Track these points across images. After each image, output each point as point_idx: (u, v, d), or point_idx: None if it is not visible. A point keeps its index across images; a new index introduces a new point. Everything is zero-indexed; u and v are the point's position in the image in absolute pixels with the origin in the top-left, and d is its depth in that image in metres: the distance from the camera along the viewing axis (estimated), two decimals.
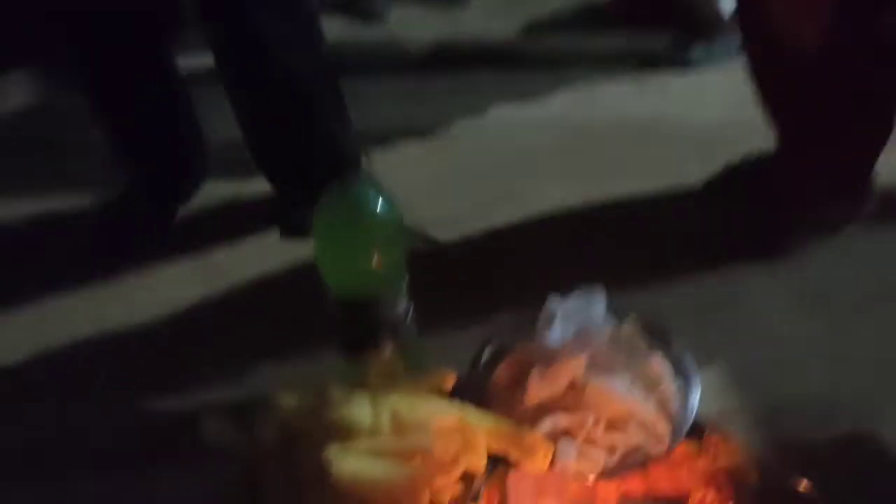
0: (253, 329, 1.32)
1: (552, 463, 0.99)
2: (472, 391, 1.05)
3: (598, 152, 1.61)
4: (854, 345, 1.18)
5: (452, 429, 0.90)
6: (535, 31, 2.02)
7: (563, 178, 1.55)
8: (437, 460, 0.87)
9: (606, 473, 0.99)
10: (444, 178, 1.60)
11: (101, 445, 1.17)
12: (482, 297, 1.32)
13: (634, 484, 1.00)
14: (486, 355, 1.13)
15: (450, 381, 1.00)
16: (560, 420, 1.01)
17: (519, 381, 1.08)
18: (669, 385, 1.06)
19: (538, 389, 1.05)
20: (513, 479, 0.97)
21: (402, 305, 1.07)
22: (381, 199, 1.02)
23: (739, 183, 1.38)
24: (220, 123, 1.48)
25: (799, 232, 1.31)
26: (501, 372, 1.10)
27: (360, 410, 0.89)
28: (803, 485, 0.90)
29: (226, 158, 1.58)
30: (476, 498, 0.90)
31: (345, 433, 0.88)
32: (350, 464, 0.85)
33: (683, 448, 1.01)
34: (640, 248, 1.39)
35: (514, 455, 0.92)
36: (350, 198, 1.02)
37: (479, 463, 0.90)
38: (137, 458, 1.14)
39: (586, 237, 1.43)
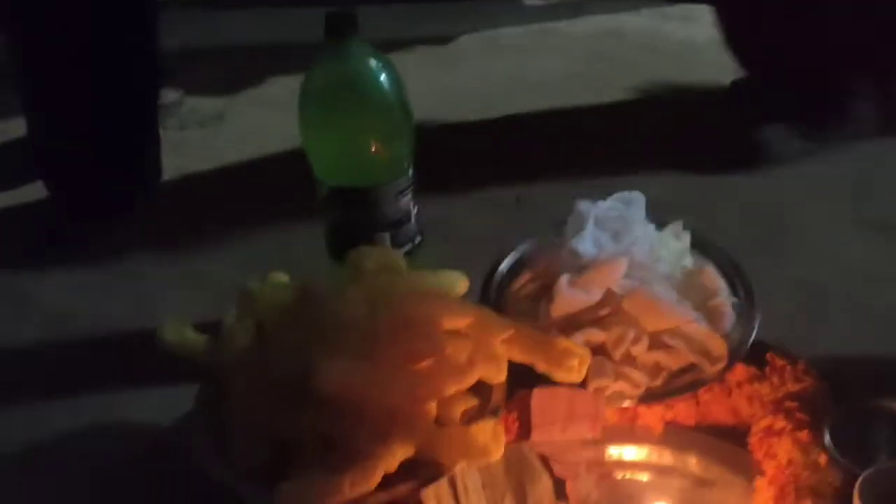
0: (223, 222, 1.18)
1: (585, 383, 0.82)
2: (487, 304, 0.89)
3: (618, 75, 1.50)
4: None
5: (466, 331, 0.73)
6: None
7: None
8: (446, 366, 0.70)
9: (649, 397, 0.82)
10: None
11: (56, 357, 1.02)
12: (501, 200, 1.18)
13: (683, 411, 0.83)
14: (504, 265, 0.96)
15: (462, 286, 0.83)
16: (594, 335, 0.84)
17: (544, 292, 0.91)
18: (724, 299, 0.89)
19: (567, 299, 0.87)
20: (538, 397, 0.80)
21: (405, 201, 0.89)
22: (381, 69, 0.85)
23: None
24: None
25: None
26: (523, 281, 0.93)
27: (351, 305, 0.71)
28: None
29: None
30: (495, 413, 0.73)
31: (332, 333, 0.71)
32: (338, 369, 0.67)
33: (742, 371, 0.84)
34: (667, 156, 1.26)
35: (541, 365, 0.75)
36: (344, 66, 0.84)
37: (498, 373, 0.73)
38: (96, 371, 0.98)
39: (610, 145, 1.30)
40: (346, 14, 0.85)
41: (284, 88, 1.58)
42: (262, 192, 1.26)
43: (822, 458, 0.71)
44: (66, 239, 1.18)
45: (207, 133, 1.45)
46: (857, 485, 0.66)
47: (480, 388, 0.76)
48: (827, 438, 0.71)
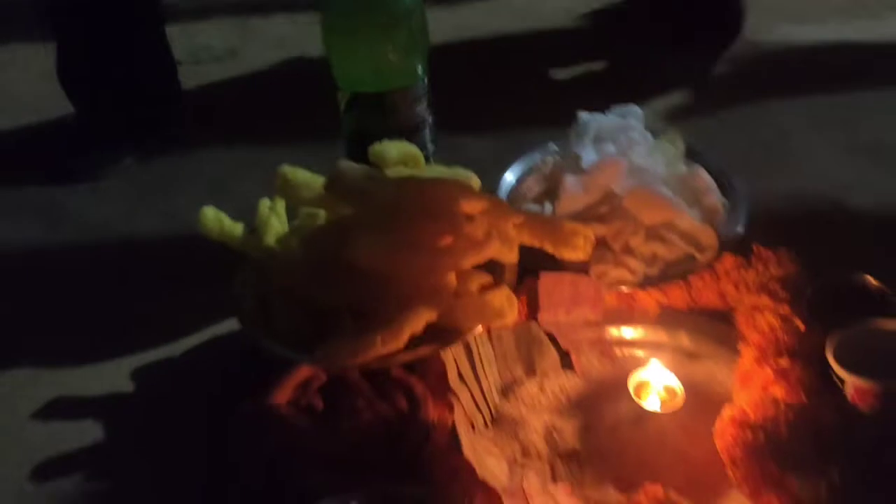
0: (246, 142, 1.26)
1: (588, 270, 0.90)
2: None
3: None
4: None
5: (481, 213, 0.80)
6: None
7: None
8: (465, 242, 0.77)
9: (646, 283, 0.91)
10: None
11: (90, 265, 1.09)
12: (511, 112, 1.26)
13: (676, 295, 0.91)
14: (511, 171, 1.04)
15: (475, 182, 0.91)
16: (596, 229, 0.91)
17: (549, 194, 0.99)
18: (715, 197, 0.97)
19: (572, 198, 0.95)
20: (545, 280, 0.88)
21: (420, 108, 0.96)
22: None
23: None
24: None
25: None
26: (529, 185, 1.00)
27: (379, 186, 0.79)
28: (869, 279, 0.81)
29: None
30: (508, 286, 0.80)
31: (362, 210, 0.78)
32: (369, 243, 0.75)
33: (730, 260, 0.92)
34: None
35: (549, 246, 0.82)
36: None
37: (510, 253, 0.81)
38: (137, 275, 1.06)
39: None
40: None
41: (294, 26, 1.65)
42: (281, 114, 1.33)
43: (800, 324, 0.80)
44: (95, 158, 1.25)
45: (224, 66, 1.52)
46: (829, 342, 0.75)
47: (494, 271, 0.84)
48: (805, 305, 0.80)
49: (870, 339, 0.75)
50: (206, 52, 1.58)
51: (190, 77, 1.39)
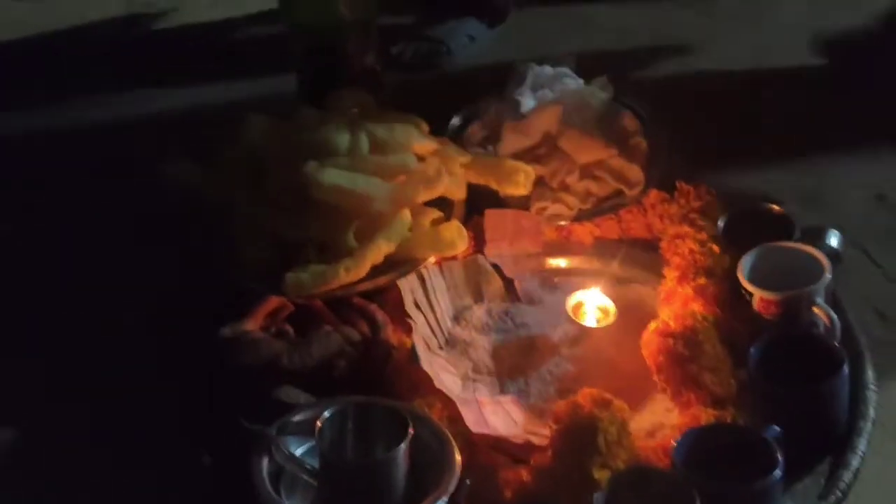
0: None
1: (528, 206, 0.99)
2: None
3: None
4: None
5: (431, 154, 0.88)
6: None
7: None
8: (418, 177, 0.85)
9: (581, 217, 1.00)
10: None
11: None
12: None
13: (608, 227, 1.00)
14: (455, 119, 1.11)
15: (423, 127, 0.98)
16: (535, 169, 1.00)
17: (491, 137, 1.07)
18: (640, 138, 1.06)
19: (512, 141, 1.03)
20: (490, 216, 0.96)
21: (371, 57, 1.03)
22: None
23: None
24: None
25: None
26: (473, 130, 1.08)
27: (336, 130, 0.85)
28: (776, 207, 0.92)
29: None
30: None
31: (322, 152, 0.85)
32: (330, 176, 0.82)
33: (656, 195, 1.01)
34: None
35: (493, 182, 0.90)
36: None
37: (459, 190, 0.89)
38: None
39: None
40: None
41: None
42: (235, 57, 1.37)
43: (716, 247, 0.90)
44: None
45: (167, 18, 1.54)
46: (739, 262, 0.85)
47: (444, 207, 0.92)
48: (719, 228, 0.90)
49: (774, 258, 0.86)
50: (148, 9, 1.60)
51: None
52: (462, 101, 1.14)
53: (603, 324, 0.90)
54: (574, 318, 0.90)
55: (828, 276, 0.82)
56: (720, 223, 0.93)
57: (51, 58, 1.45)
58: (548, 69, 1.11)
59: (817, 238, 0.90)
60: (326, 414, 0.69)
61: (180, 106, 1.28)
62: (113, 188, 1.16)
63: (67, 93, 1.35)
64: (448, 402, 0.79)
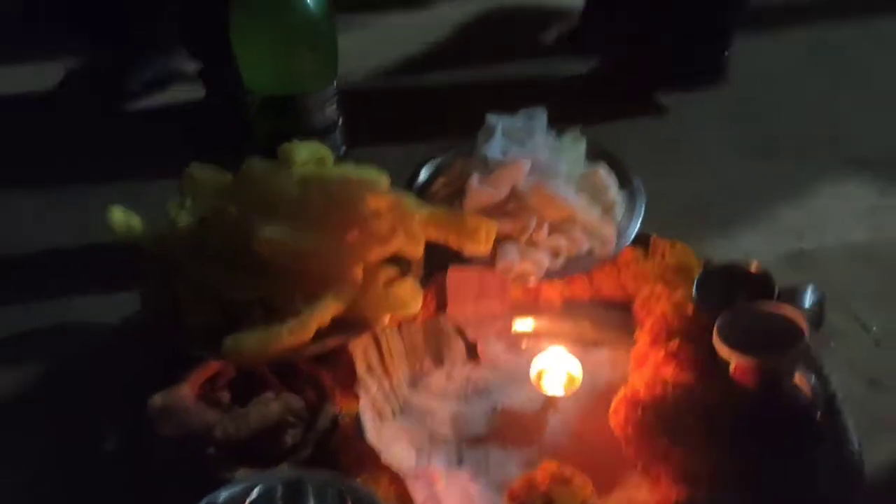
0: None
1: (494, 263, 0.94)
2: None
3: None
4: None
5: (387, 209, 0.83)
6: None
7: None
8: (370, 235, 0.80)
9: (550, 276, 0.94)
10: None
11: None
12: (420, 116, 1.28)
13: (579, 286, 0.95)
14: (423, 173, 1.06)
15: (384, 181, 0.93)
16: (502, 226, 0.95)
17: (458, 194, 1.02)
18: (614, 193, 1.02)
19: (478, 195, 0.98)
20: (453, 275, 0.91)
21: (331, 110, 0.99)
22: None
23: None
24: None
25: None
26: (439, 184, 1.03)
27: (286, 182, 0.81)
28: (754, 266, 0.87)
29: None
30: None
31: (270, 206, 0.80)
32: (277, 232, 0.77)
33: (629, 253, 0.96)
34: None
35: (453, 240, 0.85)
36: None
37: (416, 248, 0.84)
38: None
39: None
40: None
41: None
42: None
43: (690, 308, 0.84)
44: None
45: None
46: (715, 324, 0.79)
47: (401, 266, 0.86)
48: (694, 291, 0.85)
49: (752, 320, 0.80)
50: None
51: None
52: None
53: (570, 391, 0.84)
54: (539, 385, 0.84)
55: (808, 339, 0.77)
56: (696, 282, 0.87)
57: None
58: (518, 121, 1.07)
59: (798, 298, 0.85)
60: (255, 493, 0.62)
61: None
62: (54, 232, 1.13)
63: None
64: (396, 479, 0.72)
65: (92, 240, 1.09)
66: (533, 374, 0.85)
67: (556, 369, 0.85)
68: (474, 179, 1.00)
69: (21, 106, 1.43)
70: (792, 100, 1.35)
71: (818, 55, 1.45)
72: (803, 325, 0.77)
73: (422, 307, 0.85)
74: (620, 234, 0.97)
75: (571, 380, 0.84)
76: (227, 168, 0.87)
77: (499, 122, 1.06)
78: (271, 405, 0.74)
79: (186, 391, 0.75)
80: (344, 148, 1.04)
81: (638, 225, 0.99)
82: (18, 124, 1.38)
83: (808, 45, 1.48)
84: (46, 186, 1.23)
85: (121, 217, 0.84)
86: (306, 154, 0.87)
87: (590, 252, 0.97)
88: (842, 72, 1.41)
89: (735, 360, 0.77)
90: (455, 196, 1.03)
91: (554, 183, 0.99)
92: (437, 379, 0.87)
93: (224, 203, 0.81)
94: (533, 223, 0.96)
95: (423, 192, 1.04)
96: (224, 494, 0.65)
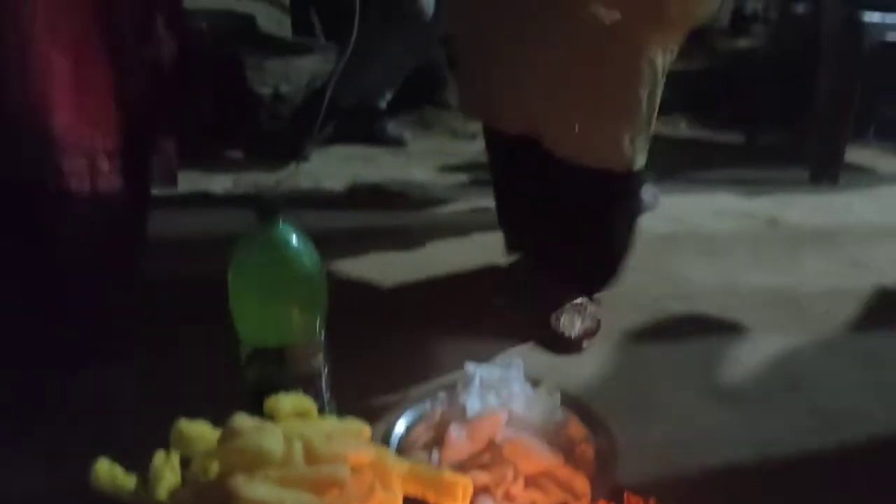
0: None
1: None
2: None
3: None
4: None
5: (367, 465, 0.85)
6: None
7: None
8: (350, 494, 0.82)
9: None
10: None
11: None
12: (403, 360, 1.32)
13: None
14: (402, 419, 1.10)
15: (365, 432, 0.96)
16: (479, 477, 0.98)
17: (437, 441, 1.05)
18: (588, 446, 1.05)
19: (456, 447, 1.02)
20: None
21: (317, 360, 1.04)
22: (300, 245, 1.02)
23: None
24: None
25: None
26: (418, 432, 1.07)
27: (270, 439, 0.84)
28: None
29: None
30: None
31: (253, 462, 0.82)
32: (258, 491, 0.79)
33: None
34: None
35: (431, 496, 0.87)
36: (268, 242, 1.01)
37: (394, 503, 0.85)
38: None
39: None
40: (271, 199, 1.03)
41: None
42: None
43: None
44: None
45: None
46: None
47: None
48: None
49: None
50: None
51: None
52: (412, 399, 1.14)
53: None
54: None
55: None
56: None
57: None
58: (496, 371, 1.12)
59: None
60: None
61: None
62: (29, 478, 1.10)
63: None
64: None
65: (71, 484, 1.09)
66: None
67: None
68: (453, 430, 1.04)
69: None
70: None
71: None
72: None
73: None
74: (594, 487, 1.00)
75: None
76: (217, 422, 0.90)
77: (476, 372, 1.12)
78: None
79: None
80: (328, 395, 1.08)
81: (612, 478, 1.02)
82: None
83: None
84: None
85: (106, 469, 0.86)
86: (291, 408, 0.91)
87: None
88: None
89: None
90: (434, 444, 1.06)
91: (529, 436, 1.03)
92: None
93: (211, 457, 0.84)
94: (509, 476, 0.99)
95: (403, 440, 1.07)
96: None
